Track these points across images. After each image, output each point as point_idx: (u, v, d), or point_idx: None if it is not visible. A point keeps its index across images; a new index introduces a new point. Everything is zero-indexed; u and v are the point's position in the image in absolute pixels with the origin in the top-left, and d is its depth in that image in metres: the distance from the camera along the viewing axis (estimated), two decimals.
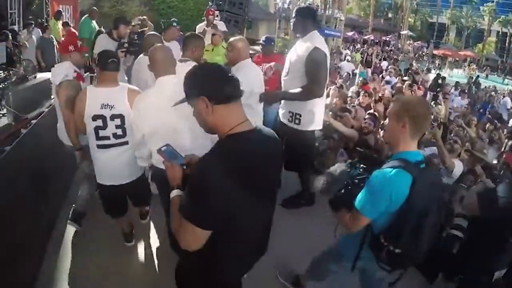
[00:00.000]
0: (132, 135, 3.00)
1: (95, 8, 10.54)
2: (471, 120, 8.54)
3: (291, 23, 4.20)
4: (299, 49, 4.04)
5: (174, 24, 6.62)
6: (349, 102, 7.88)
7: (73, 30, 10.56)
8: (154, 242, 4.04)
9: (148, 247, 3.96)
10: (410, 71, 16.90)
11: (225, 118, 1.77)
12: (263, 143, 1.84)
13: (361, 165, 2.33)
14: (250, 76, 3.72)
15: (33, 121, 3.88)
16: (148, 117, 2.71)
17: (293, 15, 4.19)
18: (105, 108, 3.11)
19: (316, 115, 4.11)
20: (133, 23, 7.64)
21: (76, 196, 3.95)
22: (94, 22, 9.89)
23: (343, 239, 2.64)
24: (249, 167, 1.70)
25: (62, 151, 3.79)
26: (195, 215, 1.68)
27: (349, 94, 8.84)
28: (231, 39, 4.01)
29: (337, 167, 2.40)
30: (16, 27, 10.60)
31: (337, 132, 5.85)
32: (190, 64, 2.63)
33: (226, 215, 1.69)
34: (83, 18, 10.14)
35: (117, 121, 3.14)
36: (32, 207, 3.38)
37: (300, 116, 4.09)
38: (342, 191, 2.32)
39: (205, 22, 7.48)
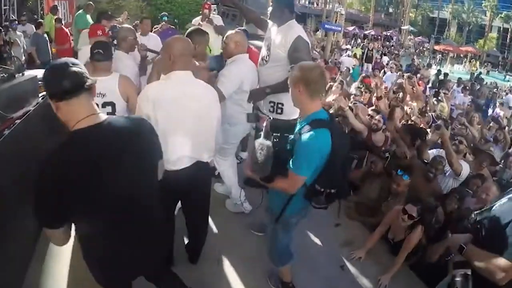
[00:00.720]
0: None
1: (91, 2, 10.37)
2: (473, 117, 8.31)
3: (268, 12, 4.06)
4: (279, 37, 3.90)
5: (165, 18, 6.55)
6: (352, 99, 7.70)
7: (64, 28, 10.43)
8: None
9: None
10: (412, 67, 16.74)
11: (70, 114, 1.80)
12: (110, 136, 1.86)
13: (274, 134, 2.67)
14: (240, 72, 3.75)
15: (18, 121, 3.72)
16: (159, 107, 2.59)
17: (271, 3, 4.12)
18: (97, 96, 3.08)
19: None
20: (120, 19, 8.27)
21: None
22: (89, 16, 9.72)
23: (270, 195, 2.94)
24: (88, 160, 1.75)
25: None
26: (39, 217, 1.79)
27: (352, 90, 8.66)
28: (229, 32, 4.02)
29: (260, 145, 2.51)
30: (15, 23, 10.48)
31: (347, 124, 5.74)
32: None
33: (70, 211, 1.78)
34: (78, 11, 10.00)
35: (108, 109, 3.26)
36: (16, 213, 3.21)
37: (283, 105, 3.93)
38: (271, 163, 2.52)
39: (201, 16, 7.28)
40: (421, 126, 6.50)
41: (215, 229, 4.15)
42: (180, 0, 19.48)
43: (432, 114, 7.63)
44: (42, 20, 10.57)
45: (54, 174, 1.68)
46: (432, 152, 5.32)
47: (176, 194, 2.98)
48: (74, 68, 1.76)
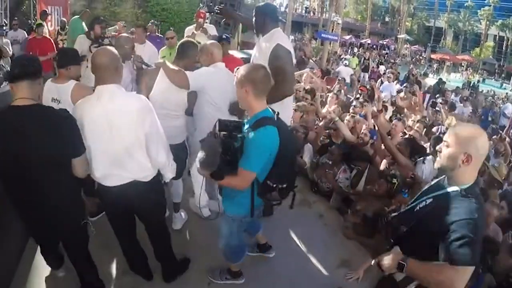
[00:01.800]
0: None
1: (87, 10, 10.48)
2: None
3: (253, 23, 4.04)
4: (261, 47, 3.90)
5: (155, 26, 6.72)
6: (351, 111, 7.55)
7: (47, 36, 9.77)
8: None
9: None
10: (410, 76, 16.61)
11: (13, 94, 2.42)
12: (19, 118, 2.36)
13: (221, 132, 2.58)
14: (205, 75, 3.69)
15: None
16: (84, 128, 2.64)
17: (253, 14, 4.05)
18: (52, 101, 3.53)
19: (283, 113, 3.40)
20: (117, 27, 8.69)
21: None
22: (83, 23, 9.52)
23: (225, 203, 3.01)
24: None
25: None
26: None
27: (354, 103, 8.51)
28: (203, 43, 4.10)
29: (207, 143, 2.57)
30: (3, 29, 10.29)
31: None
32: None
33: None
34: (73, 18, 9.87)
35: None
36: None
37: (278, 114, 3.72)
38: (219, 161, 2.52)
39: (195, 25, 7.23)
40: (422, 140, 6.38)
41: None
42: (176, 8, 19.39)
43: (441, 127, 7.49)
44: (32, 25, 10.39)
45: None
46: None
47: (115, 210, 3.00)
48: (23, 61, 2.51)
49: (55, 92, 3.56)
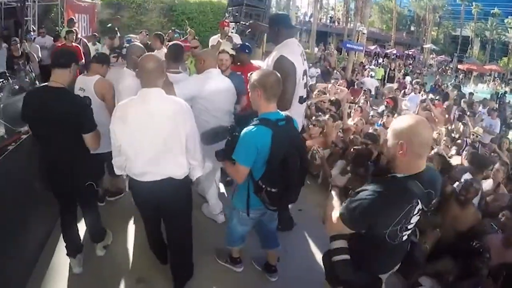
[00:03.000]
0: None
1: (118, 17, 10.69)
2: (504, 142, 7.87)
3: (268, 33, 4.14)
4: (270, 58, 3.92)
5: (176, 35, 6.97)
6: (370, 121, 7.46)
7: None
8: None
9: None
10: (437, 88, 16.34)
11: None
12: (44, 95, 3.09)
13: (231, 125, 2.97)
14: (196, 84, 3.91)
15: (24, 136, 3.77)
16: (125, 127, 2.85)
17: (268, 24, 4.18)
18: (80, 90, 4.14)
19: None
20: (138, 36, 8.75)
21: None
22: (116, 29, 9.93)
23: (234, 196, 3.25)
24: (30, 103, 3.11)
25: None
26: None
27: (371, 113, 8.40)
28: (198, 51, 4.55)
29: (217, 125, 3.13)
30: (32, 35, 10.61)
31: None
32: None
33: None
34: (108, 25, 10.32)
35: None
36: (16, 233, 3.32)
37: None
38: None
39: (220, 34, 7.29)
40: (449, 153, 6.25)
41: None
42: (201, 17, 19.71)
43: (466, 140, 7.32)
44: (59, 32, 10.74)
45: (22, 107, 3.12)
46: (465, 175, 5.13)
47: (145, 205, 3.28)
48: (58, 54, 3.44)
49: (83, 83, 4.19)
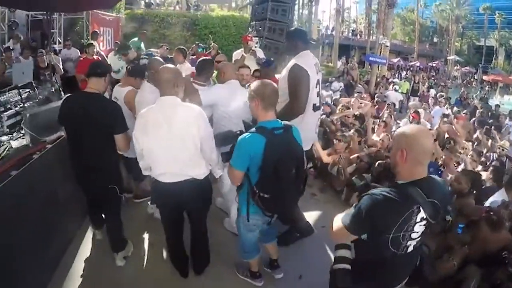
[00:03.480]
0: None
1: (144, 31, 11.30)
2: None
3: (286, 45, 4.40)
4: (285, 70, 4.10)
5: (200, 49, 8.86)
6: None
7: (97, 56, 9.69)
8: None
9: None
10: (462, 100, 16.08)
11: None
12: (81, 100, 3.57)
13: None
14: (215, 93, 4.18)
15: (49, 146, 3.88)
16: (146, 133, 3.16)
17: (285, 37, 4.48)
18: (114, 99, 4.60)
19: (303, 134, 3.49)
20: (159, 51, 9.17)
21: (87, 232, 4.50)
22: (142, 43, 10.27)
23: (238, 202, 3.34)
24: (69, 107, 3.54)
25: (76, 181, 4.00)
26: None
27: (393, 128, 8.29)
28: (220, 65, 4.81)
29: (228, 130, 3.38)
30: (56, 46, 10.81)
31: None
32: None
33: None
34: (132, 40, 10.50)
35: None
36: (36, 238, 3.40)
37: None
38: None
39: (243, 48, 7.33)
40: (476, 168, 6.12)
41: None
42: (223, 31, 19.84)
43: (493, 155, 7.15)
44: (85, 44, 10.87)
45: (60, 110, 3.55)
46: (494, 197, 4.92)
47: (169, 205, 3.51)
48: (93, 65, 3.70)
49: (117, 93, 4.76)
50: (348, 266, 2.42)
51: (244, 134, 2.93)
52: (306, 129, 3.95)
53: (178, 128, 3.12)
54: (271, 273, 3.98)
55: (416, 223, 2.13)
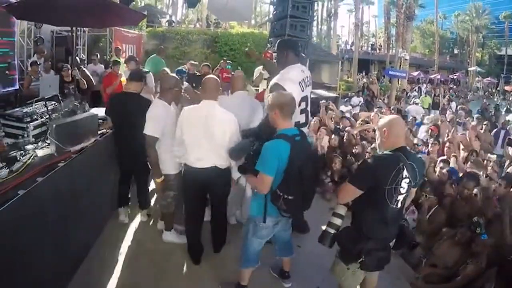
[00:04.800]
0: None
1: (162, 47, 11.34)
2: None
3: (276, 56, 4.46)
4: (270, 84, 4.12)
5: (228, 66, 9.99)
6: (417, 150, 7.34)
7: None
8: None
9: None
10: (484, 111, 15.87)
11: (128, 88, 4.97)
12: (124, 98, 4.93)
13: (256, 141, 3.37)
14: (225, 103, 4.19)
15: (74, 155, 3.98)
16: (187, 124, 3.87)
17: (276, 48, 4.36)
18: None
19: None
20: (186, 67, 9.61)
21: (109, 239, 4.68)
22: (162, 59, 10.34)
23: (250, 206, 3.56)
24: (114, 103, 4.99)
25: (97, 191, 4.57)
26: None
27: (414, 141, 8.24)
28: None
29: (242, 140, 3.55)
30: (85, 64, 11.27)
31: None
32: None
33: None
34: (152, 56, 10.56)
35: None
36: (56, 243, 3.47)
37: None
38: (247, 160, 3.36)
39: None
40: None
41: None
42: (243, 48, 19.94)
43: None
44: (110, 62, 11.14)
45: (108, 104, 5.10)
46: None
47: (195, 186, 4.03)
48: (133, 72, 5.42)
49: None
50: (333, 231, 3.05)
51: (270, 141, 3.10)
52: None
53: (212, 125, 3.76)
54: (280, 281, 4.06)
55: (402, 178, 2.75)
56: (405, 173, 2.75)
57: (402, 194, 2.82)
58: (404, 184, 2.78)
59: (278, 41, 4.46)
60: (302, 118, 4.15)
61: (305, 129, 4.22)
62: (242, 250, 3.66)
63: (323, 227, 3.11)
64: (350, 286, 3.16)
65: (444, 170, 5.74)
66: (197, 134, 3.81)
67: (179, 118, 3.94)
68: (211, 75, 4.27)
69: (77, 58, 11.80)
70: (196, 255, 4.31)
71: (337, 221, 3.08)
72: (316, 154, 3.50)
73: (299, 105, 4.01)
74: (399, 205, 2.87)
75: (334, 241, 3.05)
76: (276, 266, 4.12)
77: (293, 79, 3.97)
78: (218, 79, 4.09)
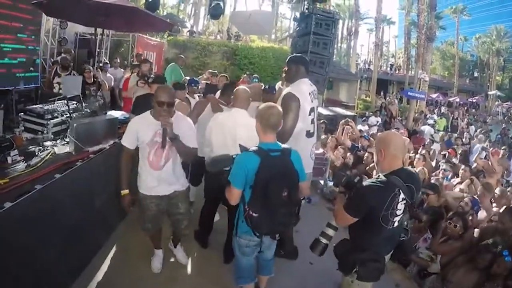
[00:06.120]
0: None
1: (181, 56, 11.36)
2: None
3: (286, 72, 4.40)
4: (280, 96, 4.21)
5: (255, 80, 9.73)
6: (441, 175, 7.25)
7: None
8: None
9: None
10: (503, 136, 15.65)
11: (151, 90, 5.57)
12: (150, 97, 4.36)
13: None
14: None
15: (92, 156, 4.07)
16: (217, 128, 4.15)
17: (287, 63, 4.38)
18: None
19: None
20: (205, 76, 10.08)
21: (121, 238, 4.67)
22: (180, 68, 10.44)
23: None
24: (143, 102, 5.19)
25: (112, 192, 4.25)
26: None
27: (443, 166, 8.12)
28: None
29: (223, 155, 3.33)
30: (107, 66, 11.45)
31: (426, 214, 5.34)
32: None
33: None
34: (171, 64, 10.69)
35: None
36: (67, 240, 3.48)
37: None
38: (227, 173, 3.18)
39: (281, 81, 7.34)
40: None
41: None
42: (262, 62, 20.02)
43: None
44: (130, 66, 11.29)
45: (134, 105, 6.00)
46: None
47: (216, 180, 3.69)
48: (155, 76, 6.67)
49: None
50: (326, 242, 3.14)
51: (241, 153, 3.08)
52: (301, 155, 3.73)
53: (238, 130, 4.01)
54: None
55: (398, 202, 2.78)
56: (401, 196, 2.78)
57: (399, 215, 2.87)
58: (401, 205, 2.83)
59: (290, 56, 4.48)
60: (311, 128, 4.27)
61: (313, 138, 4.38)
62: (235, 266, 3.65)
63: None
64: None
65: (467, 199, 5.54)
66: (223, 136, 4.07)
67: (210, 121, 4.27)
68: (243, 88, 4.37)
69: (101, 60, 12.04)
70: (203, 237, 4.72)
71: (330, 232, 3.16)
72: (294, 172, 3.18)
73: (309, 115, 4.19)
74: (396, 224, 2.90)
75: (324, 250, 3.16)
76: None
77: (303, 91, 4.11)
78: (247, 90, 4.29)
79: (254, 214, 2.99)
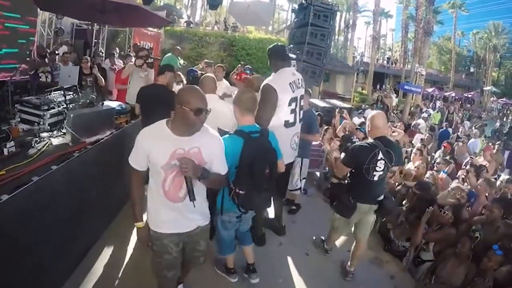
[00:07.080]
0: None
1: (178, 47, 11.44)
2: None
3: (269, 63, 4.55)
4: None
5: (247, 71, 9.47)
6: (435, 169, 7.29)
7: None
8: None
9: None
10: (497, 132, 15.70)
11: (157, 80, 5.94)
12: (156, 87, 5.63)
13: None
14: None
15: (89, 147, 4.05)
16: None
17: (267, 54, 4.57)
18: None
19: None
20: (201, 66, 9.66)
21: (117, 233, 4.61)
22: (178, 58, 10.56)
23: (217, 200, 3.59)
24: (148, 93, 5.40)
25: (109, 183, 4.49)
26: None
27: (438, 160, 8.17)
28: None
29: None
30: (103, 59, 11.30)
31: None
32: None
33: None
34: (168, 54, 10.81)
35: None
36: (62, 233, 3.47)
37: None
38: None
39: None
40: None
41: None
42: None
43: None
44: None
45: (140, 92, 5.43)
46: None
47: None
48: (161, 67, 6.45)
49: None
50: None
51: (224, 136, 3.20)
52: (280, 145, 3.83)
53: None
54: (247, 278, 4.13)
55: (378, 160, 3.91)
56: (380, 155, 3.89)
57: (379, 171, 3.97)
58: (380, 164, 3.93)
59: (268, 49, 4.60)
60: (291, 118, 4.34)
61: (294, 128, 4.43)
62: (217, 239, 3.91)
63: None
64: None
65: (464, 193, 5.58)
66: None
67: None
68: (208, 74, 4.91)
69: (98, 52, 11.93)
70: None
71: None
72: (273, 151, 3.44)
73: (289, 105, 4.27)
74: (376, 178, 4.00)
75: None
76: (220, 263, 4.21)
77: (284, 81, 4.22)
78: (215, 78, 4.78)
79: (241, 192, 3.20)
